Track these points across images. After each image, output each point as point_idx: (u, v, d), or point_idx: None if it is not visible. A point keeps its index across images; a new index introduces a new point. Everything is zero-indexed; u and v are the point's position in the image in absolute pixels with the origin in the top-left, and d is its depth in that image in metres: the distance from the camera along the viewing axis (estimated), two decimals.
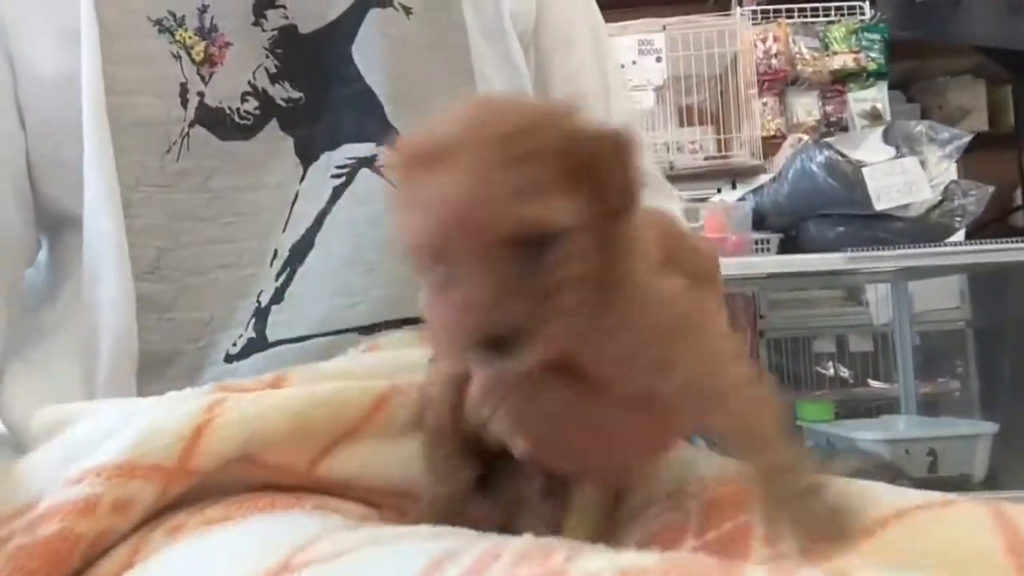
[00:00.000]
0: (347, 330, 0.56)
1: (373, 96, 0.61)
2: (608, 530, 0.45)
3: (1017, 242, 1.83)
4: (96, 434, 0.43)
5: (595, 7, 0.76)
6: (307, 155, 0.59)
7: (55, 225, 0.60)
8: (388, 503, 0.46)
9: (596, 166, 0.32)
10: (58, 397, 0.53)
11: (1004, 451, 1.87)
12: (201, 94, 0.57)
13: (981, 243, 1.85)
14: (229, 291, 0.55)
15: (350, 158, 0.60)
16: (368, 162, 0.60)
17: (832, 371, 2.44)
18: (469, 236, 0.31)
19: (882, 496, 0.37)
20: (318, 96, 0.60)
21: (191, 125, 0.56)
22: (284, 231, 0.57)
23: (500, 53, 0.67)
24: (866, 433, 1.91)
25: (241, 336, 0.55)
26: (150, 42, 0.56)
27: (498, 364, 0.31)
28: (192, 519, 0.40)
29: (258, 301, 0.56)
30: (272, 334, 0.55)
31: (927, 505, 0.35)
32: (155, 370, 0.53)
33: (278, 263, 0.57)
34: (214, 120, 0.57)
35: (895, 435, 1.92)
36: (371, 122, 0.61)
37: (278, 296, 0.56)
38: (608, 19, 0.79)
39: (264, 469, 0.43)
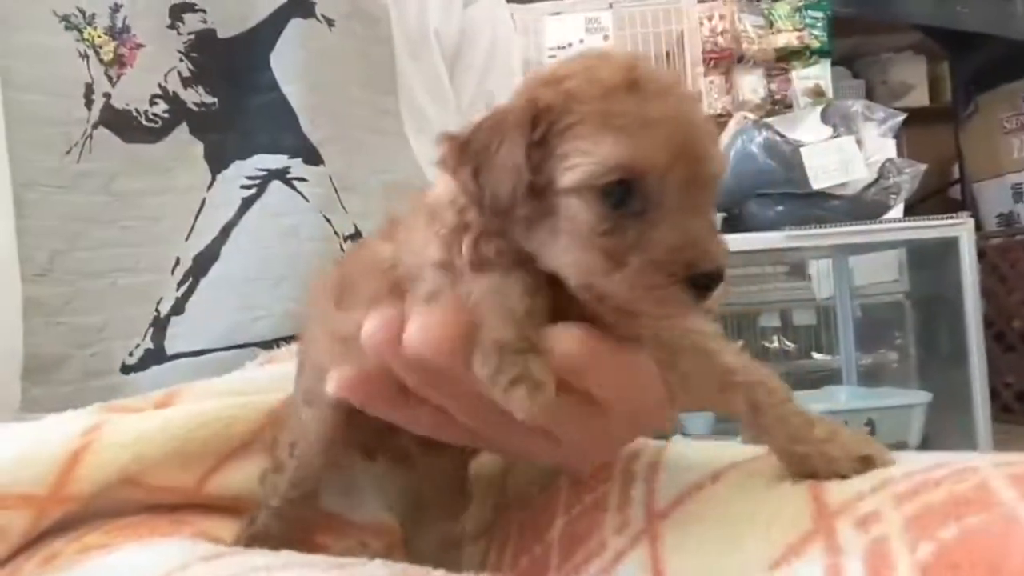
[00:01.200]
0: (248, 344, 0.55)
1: (288, 107, 0.60)
2: (493, 513, 0.47)
3: (948, 218, 1.89)
4: None
5: (513, 36, 0.78)
6: (217, 162, 0.58)
7: None
8: None
9: None
10: None
11: (938, 419, 1.95)
12: (107, 95, 0.55)
13: (916, 219, 1.91)
14: (126, 297, 0.54)
15: (261, 169, 0.59)
16: (280, 174, 0.59)
17: (777, 344, 2.50)
18: (709, 168, 0.31)
19: (724, 453, 0.41)
20: (232, 103, 0.59)
21: (95, 126, 0.54)
22: (187, 239, 0.56)
23: (424, 69, 0.67)
24: (806, 405, 1.96)
25: (138, 346, 0.54)
26: (54, 38, 0.54)
27: (700, 302, 0.30)
28: (69, 547, 0.40)
29: (157, 310, 0.54)
30: (171, 346, 0.54)
31: (759, 456, 0.39)
32: (41, 375, 0.52)
33: (180, 272, 0.55)
34: (120, 122, 0.55)
35: (835, 407, 1.99)
36: (285, 133, 0.60)
37: (178, 307, 0.55)
38: None
39: (148, 491, 0.42)
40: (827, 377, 2.34)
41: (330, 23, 0.62)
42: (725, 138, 2.46)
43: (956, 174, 3.15)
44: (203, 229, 0.56)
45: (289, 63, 0.60)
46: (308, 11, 0.61)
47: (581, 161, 0.30)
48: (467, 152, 0.32)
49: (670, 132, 0.30)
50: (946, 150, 3.10)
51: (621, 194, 0.30)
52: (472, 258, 0.32)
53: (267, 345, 0.55)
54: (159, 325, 0.54)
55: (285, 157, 0.59)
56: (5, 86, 0.51)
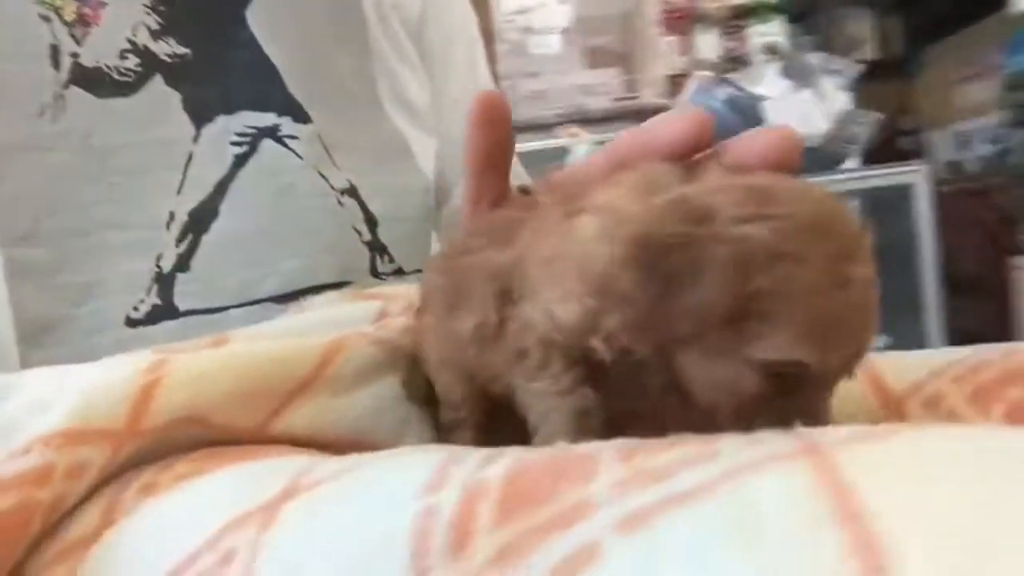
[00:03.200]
0: (261, 300, 0.56)
1: (270, 64, 0.60)
2: None
3: (903, 166, 1.96)
4: (29, 407, 0.43)
5: (475, 20, 0.78)
6: (199, 114, 0.58)
7: None
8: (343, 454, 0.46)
9: None
10: None
11: None
12: (75, 55, 0.54)
13: (867, 168, 1.97)
14: (119, 253, 0.54)
15: (250, 127, 0.59)
16: (271, 132, 0.59)
17: None
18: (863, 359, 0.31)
19: None
20: (208, 54, 0.59)
21: (65, 86, 0.54)
22: (179, 193, 0.56)
23: (391, 34, 0.68)
24: None
25: (143, 301, 0.54)
26: (11, 4, 0.53)
27: None
28: (162, 476, 0.40)
29: (158, 266, 0.55)
30: (182, 303, 0.55)
31: None
32: (39, 337, 0.52)
33: (176, 227, 0.56)
34: (91, 79, 0.55)
35: None
36: (271, 91, 0.60)
37: (183, 264, 0.56)
38: None
39: (211, 429, 0.42)
40: None
41: None
42: (685, 98, 2.50)
43: (907, 125, 3.23)
44: (195, 183, 0.57)
45: (265, 21, 0.60)
46: None
47: (772, 350, 0.29)
48: (655, 268, 0.29)
49: (856, 342, 0.29)
50: (896, 101, 3.17)
51: (784, 373, 0.30)
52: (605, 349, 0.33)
53: (280, 300, 0.56)
54: (164, 281, 0.55)
55: (273, 115, 0.59)
56: None
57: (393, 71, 0.68)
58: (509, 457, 0.27)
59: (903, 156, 3.10)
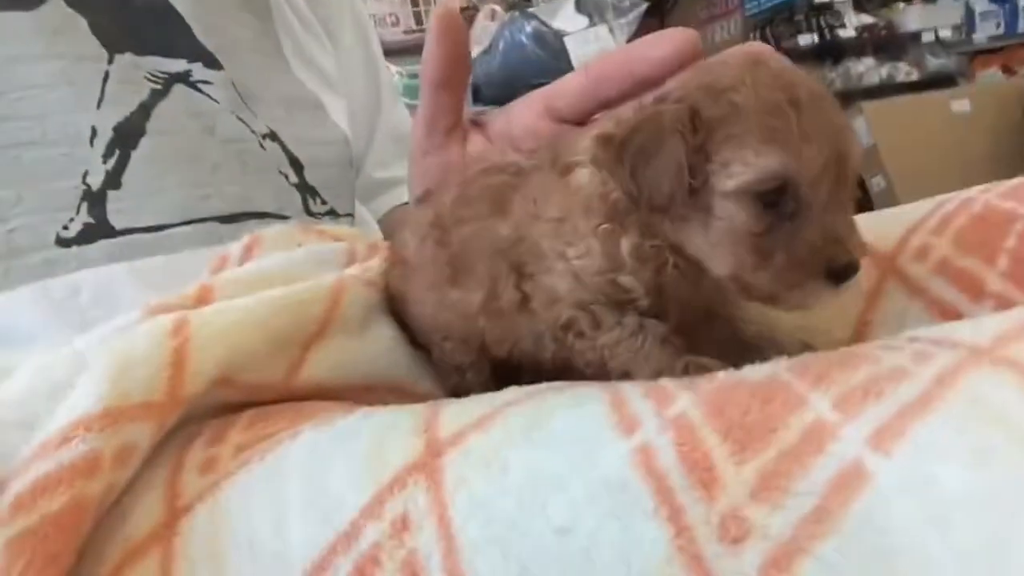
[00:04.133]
0: (206, 219, 0.54)
1: (177, 14, 0.59)
2: None
3: None
4: (42, 390, 0.37)
5: (360, 5, 0.82)
6: (109, 42, 0.55)
7: None
8: (361, 401, 0.43)
9: None
10: None
11: None
12: None
13: None
14: (38, 170, 0.51)
15: (162, 71, 0.57)
16: (182, 77, 0.58)
17: None
18: (853, 171, 0.34)
19: None
20: None
21: None
22: (99, 108, 0.53)
23: (292, 3, 0.70)
24: None
25: (73, 220, 0.51)
26: None
27: (837, 290, 0.33)
28: (219, 450, 0.36)
29: (86, 183, 0.52)
30: (117, 221, 0.52)
31: None
32: None
33: (100, 143, 0.53)
34: None
35: None
36: (179, 39, 0.59)
37: (112, 181, 0.53)
38: None
39: (241, 390, 0.40)
40: None
41: None
42: (476, 31, 2.52)
43: None
44: (116, 100, 0.54)
45: None
46: None
47: (743, 169, 0.33)
48: (624, 152, 0.34)
49: (823, 144, 0.33)
50: None
51: (775, 199, 0.33)
52: (633, 254, 0.36)
53: (225, 220, 0.55)
54: (93, 199, 0.52)
55: (184, 61, 0.58)
56: None
57: (296, 34, 0.69)
58: (684, 393, 0.28)
59: None
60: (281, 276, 0.46)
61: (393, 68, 2.17)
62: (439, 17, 0.47)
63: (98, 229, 0.51)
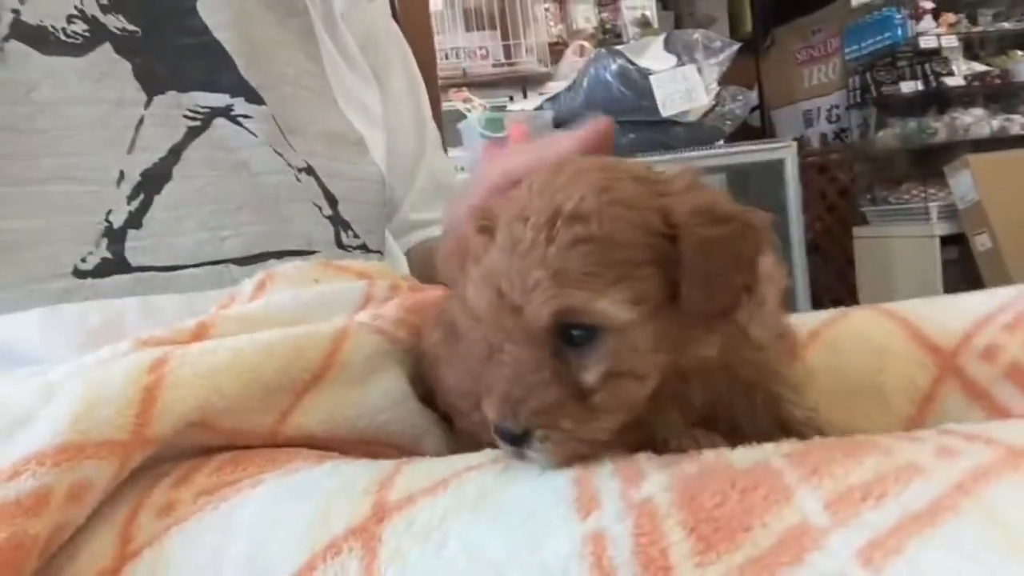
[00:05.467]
0: (221, 261, 0.55)
1: (223, 49, 0.61)
2: None
3: (766, 143, 2.09)
4: (9, 415, 0.36)
5: (412, 57, 0.84)
6: (151, 84, 0.57)
7: None
8: (358, 453, 0.42)
9: (697, 254, 0.29)
10: None
11: None
12: (16, 11, 0.54)
13: (744, 144, 2.08)
14: (64, 204, 0.53)
15: (203, 107, 0.59)
16: (224, 112, 0.60)
17: None
18: (507, 319, 0.29)
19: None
20: (158, 36, 0.59)
21: (5, 40, 0.53)
22: (130, 153, 0.55)
23: (340, 44, 0.72)
24: None
25: (91, 254, 0.53)
26: None
27: (520, 456, 0.30)
28: (181, 493, 0.35)
29: (108, 221, 0.54)
30: (134, 258, 0.54)
31: (831, 321, 0.42)
32: None
33: (127, 186, 0.55)
34: (35, 36, 0.54)
35: None
36: (223, 74, 0.60)
37: (134, 221, 0.54)
38: None
39: (223, 435, 0.38)
40: None
41: None
42: (564, 66, 2.51)
43: (755, 102, 3.46)
44: (147, 145, 0.56)
45: (217, 14, 0.61)
46: None
47: None
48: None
49: (483, 290, 0.31)
50: (746, 80, 3.38)
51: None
52: None
53: (241, 262, 0.56)
54: (114, 236, 0.53)
55: (227, 96, 0.60)
56: None
57: (342, 73, 0.71)
58: (657, 474, 0.26)
59: (751, 133, 3.33)
60: (285, 317, 0.46)
61: (477, 100, 2.19)
62: (596, 130, 0.45)
63: (114, 264, 0.53)
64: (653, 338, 0.30)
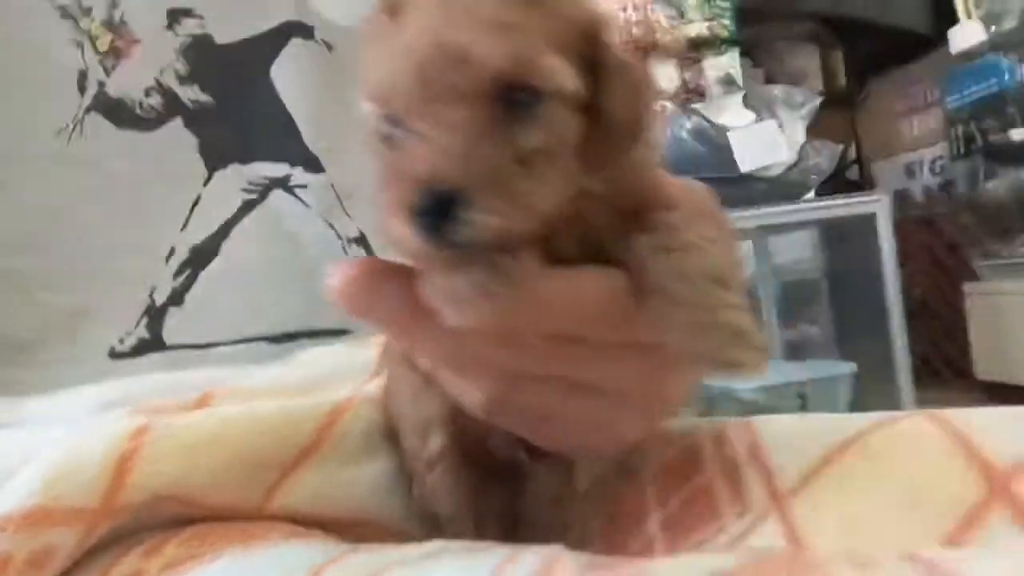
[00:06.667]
0: (254, 339, 0.55)
1: (289, 118, 0.61)
2: (564, 512, 0.42)
3: (856, 197, 2.00)
4: None
5: None
6: (214, 159, 0.58)
7: None
8: (350, 532, 0.40)
9: (623, 75, 0.29)
10: None
11: (861, 388, 2.05)
12: (102, 83, 0.56)
13: (832, 198, 2.00)
14: (113, 280, 0.53)
15: (264, 177, 0.60)
16: (282, 182, 0.60)
17: None
18: (445, 77, 0.26)
19: (829, 424, 0.38)
20: (230, 105, 0.60)
21: (87, 111, 0.55)
22: (183, 229, 0.56)
23: None
24: (742, 382, 2.03)
25: (130, 334, 0.53)
26: (51, 26, 0.55)
27: (445, 233, 0.25)
28: (149, 564, 0.35)
29: (152, 298, 0.54)
30: (170, 337, 0.54)
31: (877, 425, 0.37)
32: (19, 355, 0.51)
33: (175, 261, 0.55)
34: (113, 109, 0.56)
35: (768, 382, 2.05)
36: (287, 143, 0.61)
37: (176, 298, 0.55)
38: None
39: (204, 509, 0.37)
40: None
41: (329, 46, 0.64)
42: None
43: (853, 156, 3.34)
44: (201, 222, 0.56)
45: (290, 79, 0.62)
46: (308, 34, 0.64)
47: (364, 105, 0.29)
48: None
49: (409, 52, 0.27)
50: (842, 133, 3.27)
51: (388, 130, 0.28)
52: None
53: (273, 340, 0.55)
54: (154, 314, 0.54)
55: (287, 165, 0.60)
56: (3, 67, 0.52)
57: None
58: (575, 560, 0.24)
59: (849, 187, 3.20)
60: (292, 386, 0.45)
61: None
62: None
63: (150, 344, 0.53)
64: (578, 134, 0.28)
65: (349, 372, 0.47)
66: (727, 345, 0.29)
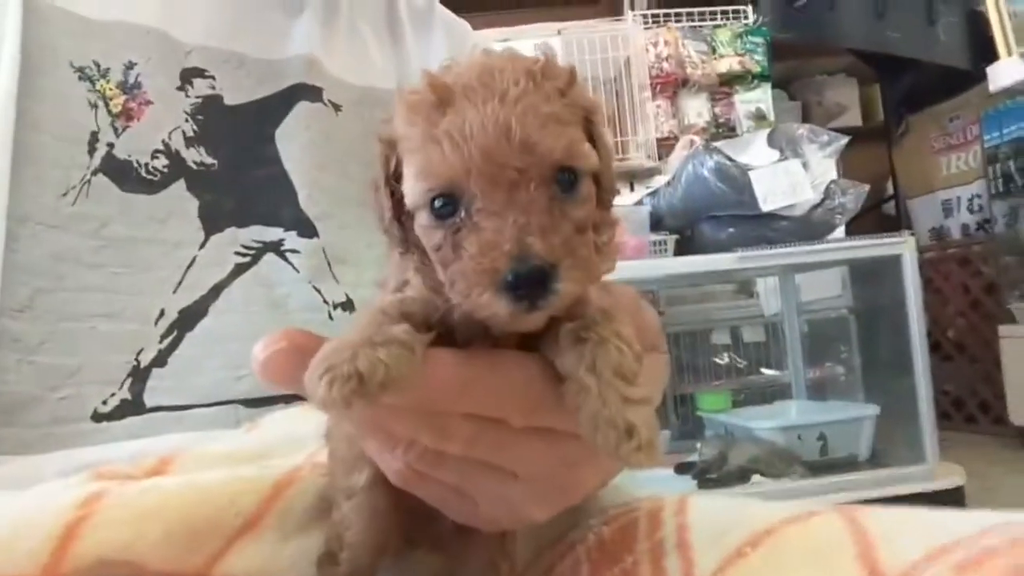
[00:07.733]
0: (231, 401, 0.55)
1: (288, 182, 0.62)
2: None
3: (891, 236, 1.97)
4: None
5: None
6: (212, 222, 0.59)
7: None
8: None
9: (599, 138, 0.33)
10: None
11: (885, 430, 2.01)
12: (111, 144, 0.56)
13: (860, 238, 1.98)
14: (105, 343, 0.53)
15: (258, 241, 0.60)
16: (275, 247, 0.60)
17: (728, 361, 2.55)
18: (514, 163, 0.29)
19: (753, 513, 0.39)
20: (232, 168, 0.60)
21: (94, 173, 0.55)
22: (175, 292, 0.56)
23: None
24: (761, 422, 2.00)
25: (113, 395, 0.53)
26: (69, 87, 0.56)
27: (532, 308, 0.29)
28: None
29: (137, 360, 0.54)
30: (150, 399, 0.54)
31: (792, 519, 0.38)
32: (9, 415, 0.50)
33: (164, 323, 0.55)
34: (119, 171, 0.56)
35: (788, 422, 2.03)
36: (283, 207, 0.61)
37: (161, 360, 0.55)
38: (505, 22, 0.84)
39: (148, 573, 0.38)
40: (778, 392, 2.39)
41: (337, 108, 0.65)
42: (673, 160, 2.52)
43: (890, 191, 3.29)
44: (192, 285, 0.57)
45: (294, 142, 0.62)
46: (316, 96, 0.65)
47: (411, 183, 0.31)
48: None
49: (474, 138, 0.29)
50: (879, 168, 3.23)
51: (446, 208, 0.30)
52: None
53: (250, 404, 0.55)
54: (138, 376, 0.54)
55: (281, 230, 0.61)
56: (19, 125, 0.53)
57: None
58: None
59: (885, 223, 3.15)
60: (251, 453, 0.46)
61: None
62: None
63: (131, 406, 0.53)
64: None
65: (304, 437, 0.48)
66: (620, 442, 0.30)
